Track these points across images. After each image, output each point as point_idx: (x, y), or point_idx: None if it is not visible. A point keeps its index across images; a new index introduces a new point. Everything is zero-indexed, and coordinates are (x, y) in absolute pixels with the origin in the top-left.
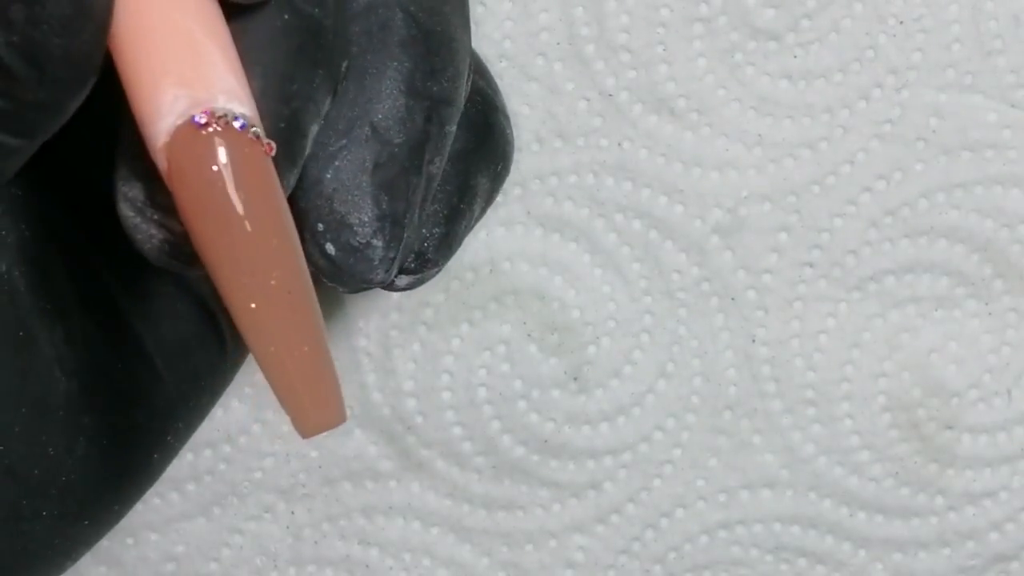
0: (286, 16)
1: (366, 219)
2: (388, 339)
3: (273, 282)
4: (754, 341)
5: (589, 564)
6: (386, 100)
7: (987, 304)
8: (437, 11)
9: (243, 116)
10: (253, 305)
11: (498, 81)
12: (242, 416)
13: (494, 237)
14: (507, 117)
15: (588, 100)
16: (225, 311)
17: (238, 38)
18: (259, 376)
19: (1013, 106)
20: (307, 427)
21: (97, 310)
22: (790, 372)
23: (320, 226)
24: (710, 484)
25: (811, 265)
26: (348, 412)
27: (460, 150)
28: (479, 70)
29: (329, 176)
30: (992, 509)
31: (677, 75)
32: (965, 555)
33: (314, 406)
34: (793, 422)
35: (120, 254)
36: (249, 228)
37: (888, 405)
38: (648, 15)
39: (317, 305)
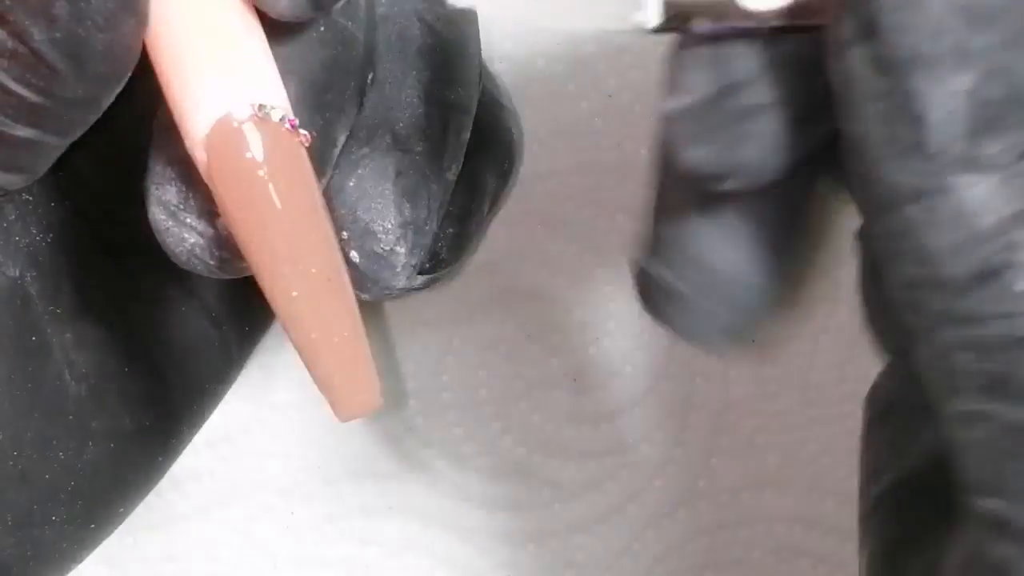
0: (321, 27)
1: (389, 226)
2: (388, 339)
3: (314, 270)
4: (754, 341)
5: (589, 564)
6: (406, 108)
7: None
8: (452, 20)
9: (282, 108)
10: (295, 293)
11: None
12: (242, 416)
13: (494, 237)
14: (514, 114)
15: (589, 100)
16: (236, 315)
17: (274, 47)
18: (260, 376)
19: None
20: (345, 411)
21: (105, 315)
22: (790, 372)
23: (344, 234)
24: (710, 484)
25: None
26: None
27: (468, 150)
28: (483, 70)
29: (352, 184)
30: None
31: None
32: None
33: (353, 391)
34: (794, 422)
35: (128, 259)
36: (291, 217)
37: None
38: None
39: (352, 292)
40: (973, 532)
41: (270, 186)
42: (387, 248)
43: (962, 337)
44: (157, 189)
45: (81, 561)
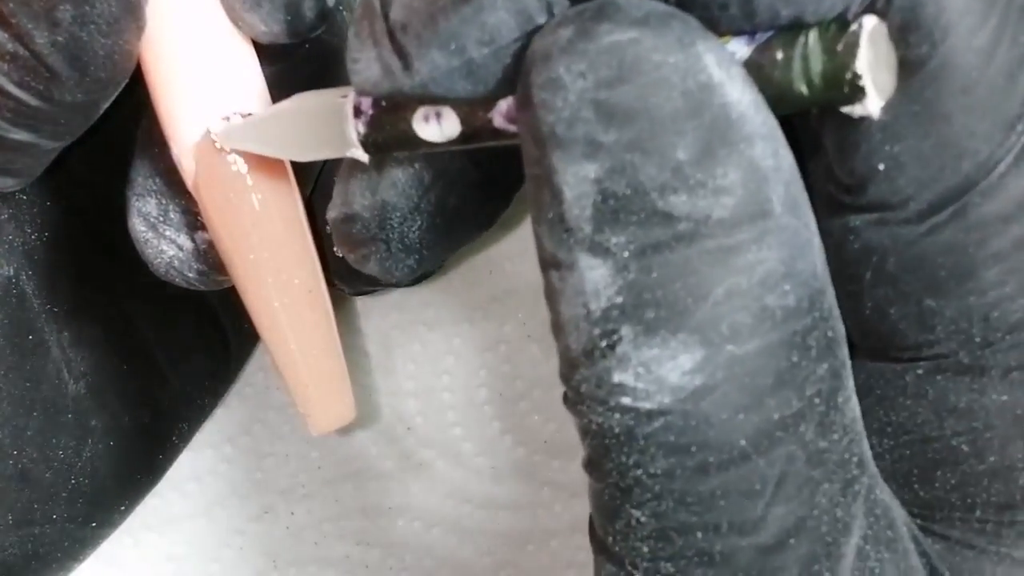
0: (307, 45)
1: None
2: (388, 339)
3: (296, 281)
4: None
5: (589, 564)
6: None
7: None
8: None
9: None
10: (276, 304)
11: None
12: (243, 416)
13: (494, 237)
14: None
15: None
16: (235, 313)
17: (261, 61)
18: (260, 376)
19: None
20: (321, 424)
21: (103, 313)
22: None
23: (327, 227)
24: None
25: None
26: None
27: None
28: None
29: (335, 178)
30: None
31: None
32: None
33: (329, 403)
34: None
35: (124, 257)
36: (274, 227)
37: None
38: None
39: (331, 307)
40: None
41: (254, 196)
42: None
43: (573, 406)
44: (138, 200)
45: (83, 560)
